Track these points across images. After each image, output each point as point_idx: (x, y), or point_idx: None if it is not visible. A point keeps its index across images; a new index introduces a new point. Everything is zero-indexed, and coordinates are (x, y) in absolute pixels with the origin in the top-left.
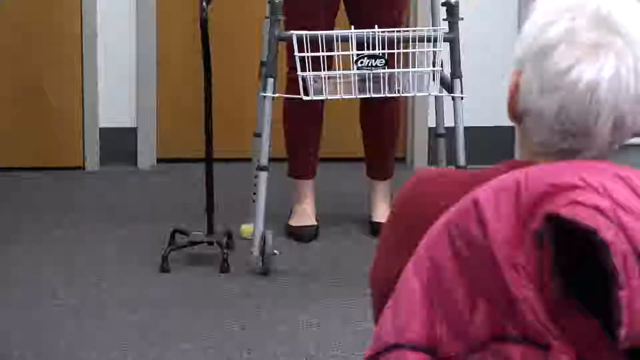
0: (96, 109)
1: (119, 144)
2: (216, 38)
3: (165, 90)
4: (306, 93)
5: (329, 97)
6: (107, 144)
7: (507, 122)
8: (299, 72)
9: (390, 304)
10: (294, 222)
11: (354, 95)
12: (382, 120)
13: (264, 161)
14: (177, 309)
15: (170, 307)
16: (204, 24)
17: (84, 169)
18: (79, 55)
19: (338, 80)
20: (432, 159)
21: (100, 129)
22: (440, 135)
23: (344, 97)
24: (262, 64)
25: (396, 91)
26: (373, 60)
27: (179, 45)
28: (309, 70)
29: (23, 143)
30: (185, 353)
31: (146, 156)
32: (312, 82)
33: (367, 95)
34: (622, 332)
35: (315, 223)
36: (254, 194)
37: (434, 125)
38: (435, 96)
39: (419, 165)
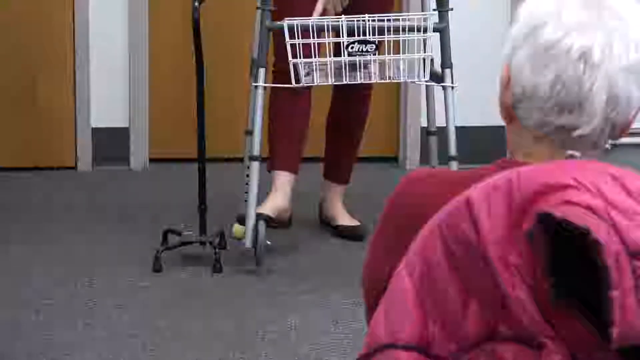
0: (88, 109)
1: (111, 144)
2: (208, 38)
3: (157, 91)
4: (297, 81)
5: (320, 84)
6: (100, 144)
7: (498, 122)
8: (290, 59)
9: (382, 304)
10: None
11: (345, 80)
12: (358, 121)
13: (255, 151)
14: (169, 309)
15: (162, 307)
16: (195, 23)
17: (76, 169)
18: (71, 55)
19: (329, 67)
20: (424, 158)
21: (92, 129)
22: (432, 134)
23: (334, 83)
24: (254, 61)
25: (387, 77)
26: (364, 46)
27: (171, 46)
28: (300, 58)
29: (15, 143)
30: (177, 353)
31: (138, 156)
32: (304, 70)
33: (358, 82)
34: (614, 332)
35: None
36: (246, 192)
37: (426, 125)
38: (427, 94)
39: (410, 165)
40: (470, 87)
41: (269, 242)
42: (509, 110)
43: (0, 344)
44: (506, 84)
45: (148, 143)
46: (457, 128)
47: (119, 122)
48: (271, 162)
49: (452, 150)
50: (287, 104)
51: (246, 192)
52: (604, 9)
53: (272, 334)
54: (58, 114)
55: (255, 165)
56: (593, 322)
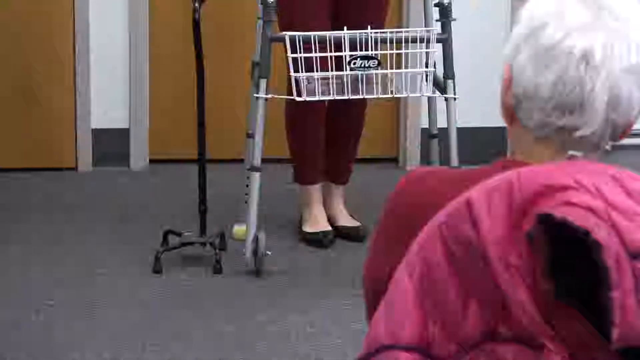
0: (89, 109)
1: (111, 145)
2: (208, 39)
3: (157, 91)
4: (299, 94)
5: (322, 98)
6: (100, 144)
7: (498, 122)
8: (292, 73)
9: (382, 304)
10: (309, 228)
11: (347, 95)
12: (356, 120)
13: (256, 162)
14: (170, 309)
15: (162, 308)
16: (196, 23)
17: (76, 170)
18: (72, 56)
19: (331, 81)
20: (425, 160)
21: (92, 129)
22: (434, 136)
23: (336, 97)
24: (254, 64)
25: (389, 92)
26: (366, 62)
27: (171, 46)
28: (302, 72)
29: (15, 144)
30: (178, 354)
31: (139, 157)
32: (305, 83)
33: (360, 96)
34: (615, 332)
35: (330, 228)
36: (247, 194)
37: (427, 126)
38: (429, 97)
39: (411, 166)
40: (470, 88)
41: (268, 253)
42: (510, 111)
43: (0, 344)
44: (507, 84)
45: (148, 143)
46: (457, 129)
47: (119, 122)
48: (301, 176)
49: (454, 160)
50: (307, 115)
51: (246, 194)
52: (605, 9)
53: (272, 334)
54: (58, 114)
55: (256, 176)
56: (593, 323)
